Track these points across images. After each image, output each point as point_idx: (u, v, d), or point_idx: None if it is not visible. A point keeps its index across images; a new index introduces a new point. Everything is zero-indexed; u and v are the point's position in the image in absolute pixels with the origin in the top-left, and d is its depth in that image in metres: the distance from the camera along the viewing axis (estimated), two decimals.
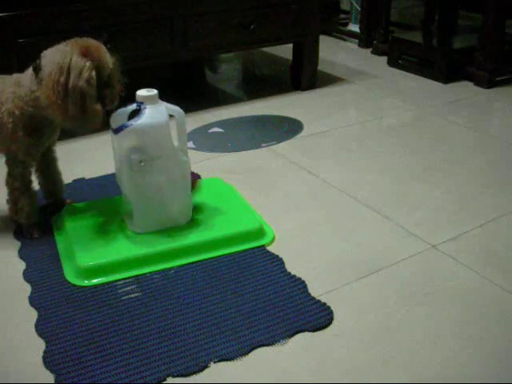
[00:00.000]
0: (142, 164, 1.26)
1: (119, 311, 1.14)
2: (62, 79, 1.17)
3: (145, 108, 1.26)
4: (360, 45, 3.11)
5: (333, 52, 3.01)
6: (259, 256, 1.31)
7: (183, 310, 1.14)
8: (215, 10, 2.05)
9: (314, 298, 1.17)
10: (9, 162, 1.34)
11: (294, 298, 1.17)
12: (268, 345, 1.06)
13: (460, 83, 2.49)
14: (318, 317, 1.12)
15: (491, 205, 1.53)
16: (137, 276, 1.25)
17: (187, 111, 1.39)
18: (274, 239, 1.38)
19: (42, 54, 1.25)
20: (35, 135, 1.30)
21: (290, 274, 1.25)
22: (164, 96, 1.33)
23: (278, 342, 1.07)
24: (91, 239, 1.33)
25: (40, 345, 1.06)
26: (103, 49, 1.24)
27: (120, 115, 1.31)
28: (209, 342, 1.06)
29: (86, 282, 1.23)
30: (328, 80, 2.54)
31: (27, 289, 1.21)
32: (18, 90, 1.26)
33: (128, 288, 1.21)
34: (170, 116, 1.29)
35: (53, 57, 1.21)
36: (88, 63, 1.19)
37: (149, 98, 1.26)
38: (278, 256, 1.31)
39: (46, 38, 1.74)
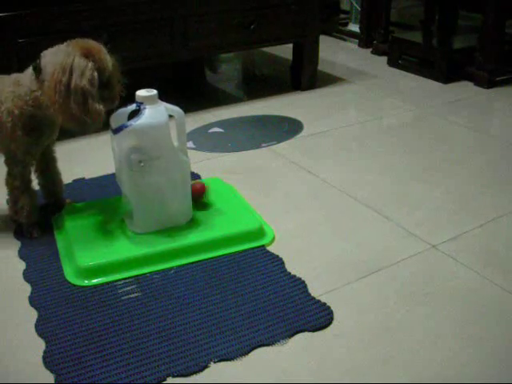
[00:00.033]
0: (142, 164, 1.26)
1: (119, 311, 1.14)
2: (65, 79, 1.18)
3: (144, 108, 1.26)
4: (360, 45, 3.11)
5: (333, 52, 3.01)
6: (259, 256, 1.31)
7: (183, 310, 1.14)
8: (215, 10, 2.05)
9: (314, 298, 1.17)
10: (8, 162, 1.34)
11: (293, 298, 1.17)
12: (268, 345, 1.06)
13: (460, 83, 2.49)
14: (318, 317, 1.12)
15: (491, 205, 1.53)
16: (137, 276, 1.25)
17: (187, 111, 1.39)
18: (273, 239, 1.38)
19: (41, 54, 1.25)
20: (34, 134, 1.30)
21: (290, 274, 1.25)
22: (164, 96, 1.33)
23: (278, 341, 1.07)
24: (91, 239, 1.33)
25: (40, 345, 1.06)
26: (104, 50, 1.25)
27: (120, 115, 1.31)
28: (209, 342, 1.06)
29: (86, 282, 1.23)
30: (328, 80, 2.54)
31: (27, 289, 1.21)
32: (18, 90, 1.26)
33: (128, 288, 1.21)
34: (170, 116, 1.29)
35: (54, 57, 1.21)
36: (90, 64, 1.20)
37: (148, 98, 1.26)
38: (277, 256, 1.31)
39: (45, 38, 1.74)
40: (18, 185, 1.35)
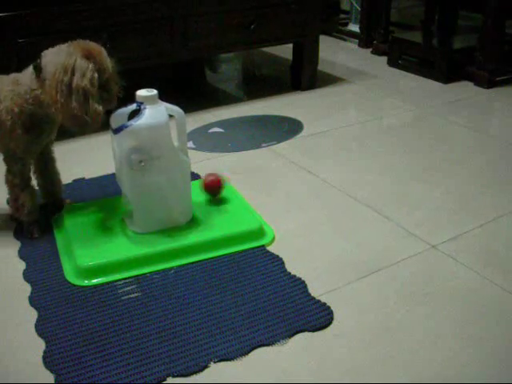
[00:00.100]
0: (142, 164, 1.26)
1: (119, 311, 1.14)
2: (66, 79, 1.19)
3: (145, 108, 1.26)
4: (360, 45, 3.11)
5: (333, 52, 3.01)
6: (259, 256, 1.31)
7: (183, 310, 1.14)
8: (215, 10, 2.05)
9: (314, 298, 1.17)
10: (7, 160, 1.34)
11: (293, 298, 1.17)
12: (268, 345, 1.06)
13: (460, 83, 2.49)
14: (318, 317, 1.12)
15: (491, 205, 1.53)
16: (137, 276, 1.25)
17: (187, 111, 1.39)
18: (274, 239, 1.38)
19: (42, 54, 1.25)
20: (34, 132, 1.30)
21: (290, 273, 1.25)
22: (164, 96, 1.33)
23: (278, 341, 1.07)
24: (91, 239, 1.33)
25: (40, 345, 1.06)
26: (104, 52, 1.26)
27: (120, 115, 1.31)
28: (209, 342, 1.06)
29: (86, 282, 1.23)
30: (328, 80, 2.54)
31: (27, 289, 1.21)
32: (17, 88, 1.27)
33: (128, 288, 1.21)
34: (170, 116, 1.29)
35: (55, 57, 1.22)
36: (91, 65, 1.21)
37: (149, 98, 1.26)
38: (278, 256, 1.31)
39: (46, 38, 1.75)
40: (17, 182, 1.35)
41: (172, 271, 1.27)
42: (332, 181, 1.66)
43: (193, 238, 1.33)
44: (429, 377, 0.99)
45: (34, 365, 1.02)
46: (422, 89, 2.45)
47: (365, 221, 1.46)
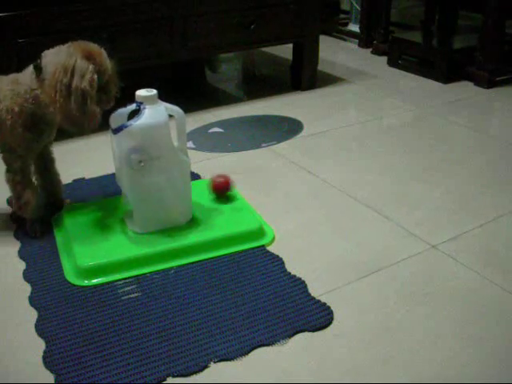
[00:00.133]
0: (142, 164, 1.26)
1: (119, 311, 1.14)
2: (66, 80, 1.19)
3: (144, 108, 1.26)
4: (360, 45, 3.11)
5: (333, 52, 3.01)
6: (259, 256, 1.31)
7: (183, 310, 1.14)
8: (215, 10, 2.05)
9: (314, 298, 1.17)
10: (7, 158, 1.34)
11: (294, 297, 1.17)
12: (268, 345, 1.06)
13: (460, 83, 2.49)
14: (318, 317, 1.12)
15: (491, 205, 1.53)
16: (137, 276, 1.25)
17: (187, 111, 1.39)
18: (274, 239, 1.38)
19: (42, 54, 1.26)
20: (36, 131, 1.31)
21: (290, 273, 1.25)
22: (164, 96, 1.33)
23: (278, 341, 1.07)
24: (91, 239, 1.32)
25: (40, 345, 1.06)
26: (104, 54, 1.27)
27: (119, 115, 1.31)
28: (209, 342, 1.06)
29: (86, 282, 1.23)
30: (328, 80, 2.54)
31: (27, 289, 1.21)
32: (17, 88, 1.27)
33: (128, 288, 1.21)
34: (170, 116, 1.29)
35: (55, 57, 1.22)
36: (91, 66, 1.21)
37: (148, 98, 1.26)
38: (278, 256, 1.31)
39: (46, 38, 1.75)
40: (19, 180, 1.35)
41: (172, 271, 1.27)
42: (332, 181, 1.66)
43: (193, 237, 1.33)
44: (429, 377, 0.99)
45: (33, 365, 1.02)
46: (421, 89, 2.45)
47: (365, 221, 1.46)
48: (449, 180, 1.66)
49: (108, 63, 1.27)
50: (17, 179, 1.34)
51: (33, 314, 1.14)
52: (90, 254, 1.27)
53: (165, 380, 0.99)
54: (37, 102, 1.27)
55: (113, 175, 1.55)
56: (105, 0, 1.84)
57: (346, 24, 3.31)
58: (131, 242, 1.32)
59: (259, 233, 1.37)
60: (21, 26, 1.73)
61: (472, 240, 1.38)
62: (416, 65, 2.63)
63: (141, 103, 1.26)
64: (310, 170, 1.73)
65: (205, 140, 1.95)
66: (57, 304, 1.16)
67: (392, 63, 2.75)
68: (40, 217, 1.40)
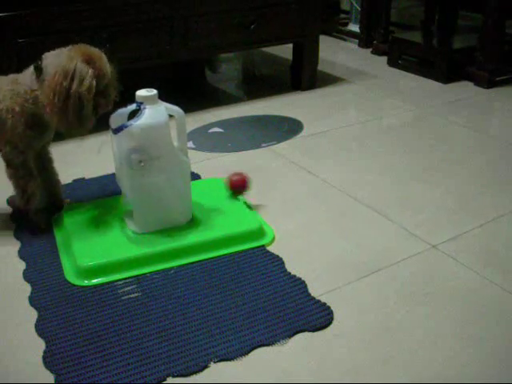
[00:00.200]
0: (142, 164, 1.26)
1: (119, 311, 1.14)
2: (65, 83, 1.20)
3: (144, 108, 1.26)
4: (360, 45, 3.11)
5: (333, 52, 3.01)
6: (259, 256, 1.31)
7: (183, 310, 1.14)
8: (215, 10, 2.05)
9: (314, 298, 1.17)
10: (7, 154, 1.34)
11: (294, 297, 1.17)
12: (268, 345, 1.06)
13: (460, 83, 2.49)
14: (318, 317, 1.12)
15: (491, 205, 1.53)
16: (137, 276, 1.25)
17: (187, 111, 1.39)
18: (273, 239, 1.38)
19: (43, 56, 1.26)
20: (37, 129, 1.31)
21: (290, 273, 1.25)
22: (164, 96, 1.33)
23: (278, 341, 1.07)
24: (91, 239, 1.33)
25: (40, 345, 1.06)
26: (104, 58, 1.27)
27: (120, 115, 1.31)
28: (209, 342, 1.06)
29: (86, 282, 1.23)
30: (328, 80, 2.54)
31: (27, 289, 1.21)
32: (17, 88, 1.27)
33: (128, 288, 1.21)
34: (170, 116, 1.29)
35: (56, 59, 1.23)
36: (91, 71, 1.22)
37: (148, 98, 1.26)
38: (278, 256, 1.31)
39: (46, 38, 1.75)
40: (22, 173, 1.35)
41: (172, 271, 1.27)
42: (332, 181, 1.66)
43: (193, 238, 1.33)
44: (429, 377, 0.99)
45: (34, 365, 1.02)
46: (422, 89, 2.45)
47: (365, 221, 1.46)
48: (449, 180, 1.67)
49: (108, 67, 1.27)
50: (19, 174, 1.35)
51: (33, 314, 1.14)
52: (89, 253, 1.27)
53: (165, 380, 0.99)
54: (36, 103, 1.27)
55: (113, 175, 1.55)
56: (105, 0, 1.84)
57: (346, 24, 3.31)
58: (131, 242, 1.32)
59: (259, 233, 1.37)
60: (21, 26, 1.73)
61: (472, 240, 1.38)
62: (416, 65, 2.63)
63: (141, 103, 1.26)
64: (310, 170, 1.73)
65: (205, 140, 1.95)
66: (57, 304, 1.16)
67: (392, 63, 2.75)
68: (43, 208, 1.41)
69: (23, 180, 1.36)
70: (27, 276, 1.25)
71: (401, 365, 1.02)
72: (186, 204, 1.38)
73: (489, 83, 2.41)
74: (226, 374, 1.00)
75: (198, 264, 1.29)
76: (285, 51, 2.81)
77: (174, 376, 0.99)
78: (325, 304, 1.15)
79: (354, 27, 3.20)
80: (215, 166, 1.75)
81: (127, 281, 1.24)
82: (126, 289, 1.21)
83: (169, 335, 1.08)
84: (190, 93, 2.45)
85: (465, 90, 2.42)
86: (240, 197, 1.51)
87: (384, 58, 2.83)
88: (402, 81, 2.57)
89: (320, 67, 2.47)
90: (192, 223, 1.38)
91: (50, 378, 0.99)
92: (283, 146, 1.89)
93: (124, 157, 1.26)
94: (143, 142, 1.25)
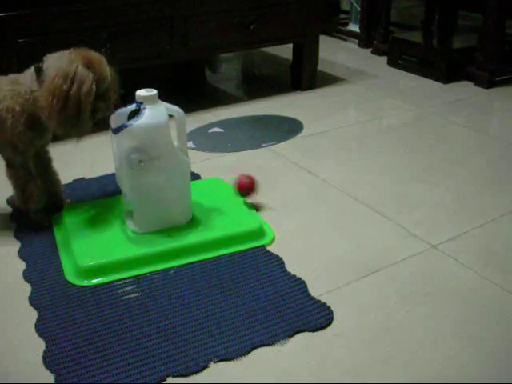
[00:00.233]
0: (142, 164, 1.26)
1: (119, 311, 1.14)
2: (65, 86, 1.20)
3: (144, 108, 1.26)
4: (360, 45, 3.11)
5: (333, 52, 3.01)
6: (259, 256, 1.31)
7: (183, 310, 1.14)
8: (215, 10, 2.05)
9: (314, 298, 1.17)
10: (7, 154, 1.34)
11: (294, 297, 1.17)
12: (268, 345, 1.06)
13: (460, 83, 2.49)
14: (318, 317, 1.12)
15: (491, 205, 1.53)
16: (137, 276, 1.25)
17: (187, 111, 1.39)
18: (273, 239, 1.38)
19: (44, 58, 1.26)
20: (36, 129, 1.31)
21: (290, 274, 1.25)
22: (164, 96, 1.33)
23: (278, 341, 1.07)
24: (91, 239, 1.33)
25: (40, 345, 1.06)
26: (104, 62, 1.28)
27: (120, 115, 1.31)
28: (209, 342, 1.06)
29: (86, 282, 1.23)
30: (328, 80, 2.54)
31: (27, 289, 1.21)
32: (17, 88, 1.28)
33: (128, 288, 1.21)
34: (170, 116, 1.29)
35: (56, 62, 1.24)
36: (91, 75, 1.23)
37: (148, 98, 1.26)
38: (278, 256, 1.31)
39: (46, 38, 1.75)
40: (22, 174, 1.36)
41: (172, 271, 1.27)
42: (332, 181, 1.66)
43: (193, 237, 1.33)
44: (429, 377, 0.99)
45: (33, 365, 1.02)
46: (422, 89, 2.45)
47: (365, 221, 1.46)
48: (449, 180, 1.67)
49: (108, 71, 1.28)
50: (20, 174, 1.36)
51: (33, 314, 1.14)
52: (90, 253, 1.27)
53: (165, 380, 0.99)
54: (36, 103, 1.27)
55: (113, 175, 1.55)
56: (105, 0, 1.84)
57: (346, 24, 3.31)
58: (131, 242, 1.32)
59: (259, 233, 1.37)
60: (21, 26, 1.73)
61: (472, 240, 1.38)
62: (416, 65, 2.63)
63: (141, 103, 1.26)
64: (310, 169, 1.73)
65: (205, 140, 1.95)
66: (57, 304, 1.16)
67: (392, 63, 2.75)
68: (42, 208, 1.41)
69: (22, 180, 1.36)
70: (27, 276, 1.25)
71: (401, 365, 1.02)
72: (186, 204, 1.38)
73: (489, 83, 2.41)
74: (226, 374, 1.00)
75: (197, 264, 1.29)
76: (285, 51, 2.81)
77: (174, 376, 0.99)
78: (325, 304, 1.15)
79: (354, 27, 3.20)
80: (215, 166, 1.75)
81: (127, 281, 1.23)
82: (126, 289, 1.21)
83: (169, 335, 1.08)
84: (190, 93, 2.45)
85: (465, 89, 2.42)
86: (239, 196, 1.51)
87: (384, 58, 2.83)
88: (402, 81, 2.57)
89: (320, 67, 2.47)
90: (192, 223, 1.38)
91: (50, 378, 0.99)
92: (283, 146, 1.89)
93: (124, 157, 1.26)
94: (143, 142, 1.25)
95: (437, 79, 2.52)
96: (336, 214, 1.50)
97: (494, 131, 2.04)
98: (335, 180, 1.67)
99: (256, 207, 1.50)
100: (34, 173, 1.45)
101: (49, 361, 1.02)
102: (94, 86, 1.23)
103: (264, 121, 2.11)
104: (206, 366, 1.01)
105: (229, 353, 1.04)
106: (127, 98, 1.32)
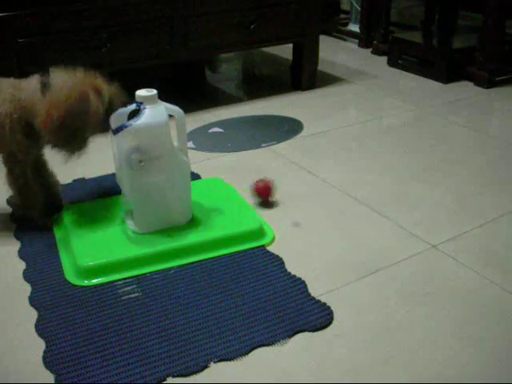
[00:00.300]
0: (142, 164, 1.26)
1: (119, 311, 1.14)
2: (75, 120, 1.21)
3: (144, 108, 1.26)
4: (360, 45, 3.11)
5: (333, 52, 3.01)
6: (259, 256, 1.31)
7: (183, 310, 1.14)
8: (215, 10, 2.05)
9: (313, 298, 1.17)
10: (7, 162, 1.34)
11: (294, 297, 1.17)
12: (268, 345, 1.06)
13: (460, 83, 2.49)
14: (318, 317, 1.12)
15: (491, 205, 1.53)
16: (137, 276, 1.25)
17: (187, 111, 1.39)
18: (273, 239, 1.38)
19: (51, 70, 1.26)
20: (33, 138, 1.31)
21: (290, 273, 1.25)
22: (164, 96, 1.33)
23: (278, 341, 1.07)
24: (91, 239, 1.33)
25: (40, 345, 1.06)
26: (112, 90, 1.30)
27: (120, 115, 1.31)
28: (209, 342, 1.06)
29: (86, 282, 1.23)
30: (328, 80, 2.54)
31: (27, 289, 1.21)
32: (18, 94, 1.27)
33: (128, 288, 1.21)
34: (170, 116, 1.29)
35: (65, 83, 1.24)
36: (100, 107, 1.24)
37: (148, 98, 1.26)
38: (278, 256, 1.31)
39: (46, 38, 1.75)
40: (22, 183, 1.36)
41: (172, 271, 1.27)
42: (332, 181, 1.66)
43: (193, 238, 1.33)
44: (429, 377, 0.99)
45: (34, 365, 1.02)
46: (422, 89, 2.45)
47: (365, 221, 1.46)
48: (449, 180, 1.67)
49: (117, 98, 1.29)
50: (20, 183, 1.36)
51: (33, 314, 1.14)
52: (90, 253, 1.27)
53: (165, 380, 0.99)
54: (33, 113, 1.26)
55: (113, 175, 1.55)
56: (105, 0, 1.84)
57: (346, 24, 3.31)
58: (131, 241, 1.32)
59: (259, 233, 1.37)
60: (21, 26, 1.73)
61: (472, 240, 1.38)
62: (416, 65, 2.63)
63: (141, 103, 1.26)
64: (310, 170, 1.73)
65: (205, 140, 1.95)
66: (57, 304, 1.16)
67: (392, 63, 2.75)
68: (45, 211, 1.42)
69: (24, 189, 1.37)
70: (27, 276, 1.25)
71: (401, 365, 1.02)
72: (186, 204, 1.38)
73: (489, 83, 2.41)
74: (226, 374, 1.00)
75: (197, 264, 1.29)
76: (285, 51, 2.81)
77: (174, 376, 0.99)
78: (325, 304, 1.15)
79: (354, 27, 3.20)
80: (215, 166, 1.75)
81: (127, 281, 1.24)
82: (125, 289, 1.21)
83: (169, 335, 1.08)
84: (190, 93, 2.45)
85: (465, 89, 2.42)
86: (239, 196, 1.51)
87: (384, 58, 2.83)
88: (402, 81, 2.57)
89: (320, 67, 2.47)
90: (192, 223, 1.38)
91: (50, 378, 0.99)
92: (283, 146, 1.89)
93: (124, 157, 1.26)
94: (143, 142, 1.25)
95: (437, 79, 2.52)
96: (336, 214, 1.50)
97: (494, 131, 2.04)
98: (335, 180, 1.67)
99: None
100: (33, 179, 1.45)
101: (49, 361, 1.02)
102: (100, 117, 1.25)
103: (264, 121, 2.11)
104: (206, 366, 1.01)
105: (229, 353, 1.04)
106: (127, 98, 1.32)
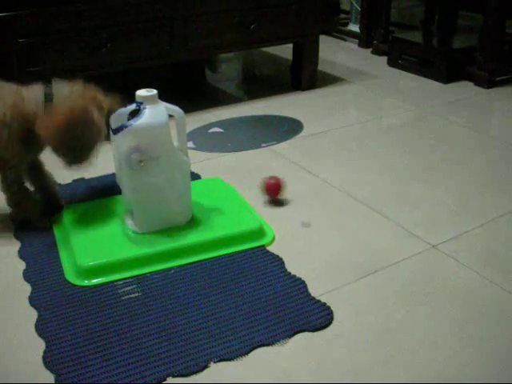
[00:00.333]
0: (142, 164, 1.26)
1: (119, 311, 1.14)
2: (78, 129, 1.23)
3: (144, 108, 1.25)
4: (360, 45, 3.11)
5: (333, 52, 3.01)
6: (259, 256, 1.31)
7: (183, 310, 1.14)
8: (215, 10, 2.05)
9: (313, 298, 1.17)
10: (1, 167, 1.34)
11: (294, 297, 1.17)
12: (268, 345, 1.06)
13: (460, 83, 2.49)
14: (318, 317, 1.12)
15: (491, 205, 1.53)
16: (137, 276, 1.25)
17: (187, 111, 1.39)
18: (273, 239, 1.38)
19: (53, 82, 1.26)
20: (29, 144, 1.31)
21: (290, 273, 1.25)
22: (164, 96, 1.33)
23: (278, 341, 1.07)
24: (91, 239, 1.32)
25: (40, 345, 1.06)
26: (111, 100, 1.31)
27: (119, 115, 1.31)
28: (209, 342, 1.06)
29: (86, 282, 1.23)
30: (328, 80, 2.54)
31: (27, 289, 1.21)
32: (20, 102, 1.27)
33: (128, 288, 1.21)
34: (170, 116, 1.29)
35: (68, 97, 1.25)
36: (102, 121, 1.26)
37: (148, 98, 1.26)
38: (278, 256, 1.31)
39: (46, 38, 1.75)
40: (16, 190, 1.37)
41: (172, 271, 1.27)
42: (332, 181, 1.66)
43: (193, 238, 1.33)
44: (429, 377, 0.99)
45: (33, 365, 1.02)
46: (421, 89, 2.45)
47: (365, 221, 1.46)
48: (449, 180, 1.67)
49: (112, 108, 1.31)
50: (13, 190, 1.36)
51: (33, 314, 1.14)
52: (90, 253, 1.27)
53: (165, 380, 0.99)
54: (33, 121, 1.26)
55: (113, 175, 1.55)
56: (105, 0, 1.84)
57: (346, 24, 3.31)
58: (131, 241, 1.32)
59: (259, 233, 1.37)
60: (21, 25, 1.73)
61: (472, 240, 1.38)
62: (416, 65, 2.63)
63: (141, 103, 1.26)
64: (310, 170, 1.73)
65: (205, 140, 1.95)
66: (57, 304, 1.16)
67: (392, 63, 2.75)
68: (42, 213, 1.42)
69: (16, 196, 1.37)
70: (27, 276, 1.25)
71: (401, 365, 1.02)
72: (186, 204, 1.38)
73: (489, 83, 2.41)
74: (226, 374, 1.00)
75: (197, 264, 1.29)
76: (285, 51, 2.81)
77: (173, 376, 0.99)
78: (325, 304, 1.15)
79: (354, 27, 3.20)
80: (215, 166, 1.75)
81: (127, 281, 1.23)
82: (125, 289, 1.21)
83: (169, 335, 1.08)
84: (189, 93, 2.45)
85: (465, 89, 2.42)
86: (239, 196, 1.51)
87: (384, 58, 2.83)
88: (402, 81, 2.57)
89: (320, 67, 2.47)
90: (192, 223, 1.38)
91: (50, 378, 0.99)
92: (283, 146, 1.89)
93: (124, 157, 1.26)
94: (143, 142, 1.25)
95: (437, 79, 2.52)
96: (336, 213, 1.50)
97: (494, 131, 2.04)
98: (335, 180, 1.67)
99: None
100: (31, 181, 1.46)
101: (49, 361, 1.02)
102: (103, 138, 1.26)
103: (264, 121, 2.11)
104: (206, 366, 1.01)
105: (229, 353, 1.04)
106: (127, 98, 1.32)
